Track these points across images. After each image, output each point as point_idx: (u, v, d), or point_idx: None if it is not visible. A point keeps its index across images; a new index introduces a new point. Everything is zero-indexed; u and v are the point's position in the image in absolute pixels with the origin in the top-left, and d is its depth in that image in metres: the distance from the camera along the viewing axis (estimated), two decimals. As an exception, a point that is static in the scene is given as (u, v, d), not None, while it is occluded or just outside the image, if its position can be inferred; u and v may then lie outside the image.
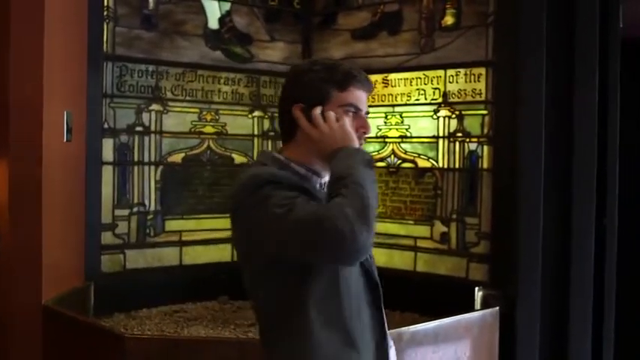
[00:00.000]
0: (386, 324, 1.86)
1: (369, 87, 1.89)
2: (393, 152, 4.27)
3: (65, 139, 3.66)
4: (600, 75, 3.72)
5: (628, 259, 4.08)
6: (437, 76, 4.10)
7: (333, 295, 1.74)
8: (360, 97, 1.86)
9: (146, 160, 4.14)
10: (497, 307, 3.59)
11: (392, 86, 4.28)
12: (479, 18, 3.96)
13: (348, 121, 1.82)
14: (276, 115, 4.45)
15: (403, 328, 3.18)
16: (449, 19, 4.09)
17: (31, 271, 3.56)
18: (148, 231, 4.15)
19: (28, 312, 3.54)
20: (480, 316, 3.54)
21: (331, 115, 1.81)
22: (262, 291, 1.79)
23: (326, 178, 1.85)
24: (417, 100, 4.18)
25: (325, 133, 1.80)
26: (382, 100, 4.32)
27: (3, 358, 3.65)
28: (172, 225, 4.24)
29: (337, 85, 1.84)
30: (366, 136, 1.88)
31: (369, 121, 1.88)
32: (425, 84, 4.14)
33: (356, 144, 1.80)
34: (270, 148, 4.56)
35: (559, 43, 3.69)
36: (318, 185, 1.87)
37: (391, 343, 1.91)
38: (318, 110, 1.81)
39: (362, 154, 1.77)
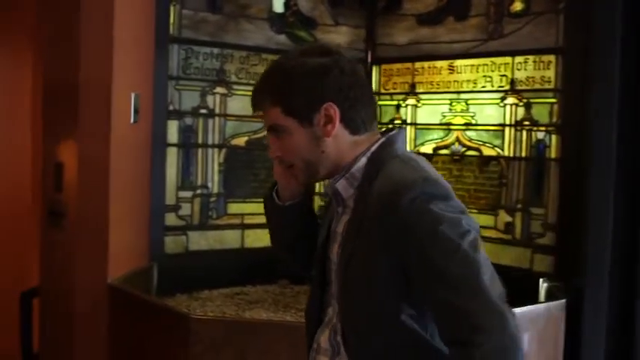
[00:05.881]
0: None
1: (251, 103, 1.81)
2: (458, 140, 4.21)
3: (132, 121, 3.70)
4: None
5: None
6: (504, 63, 4.01)
7: None
8: None
9: (210, 142, 4.15)
10: (564, 300, 3.49)
11: (457, 73, 4.21)
12: (549, 4, 3.85)
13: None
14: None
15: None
16: (518, 5, 3.99)
17: (97, 249, 3.63)
18: (210, 213, 4.16)
19: (93, 290, 3.60)
20: (545, 308, 3.46)
21: None
22: None
23: None
24: (484, 87, 4.10)
25: None
26: (447, 87, 4.26)
27: (69, 335, 3.73)
28: (234, 208, 4.25)
29: None
30: (282, 160, 1.81)
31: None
32: (492, 71, 4.06)
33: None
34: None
35: (634, 32, 3.58)
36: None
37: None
38: None
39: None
